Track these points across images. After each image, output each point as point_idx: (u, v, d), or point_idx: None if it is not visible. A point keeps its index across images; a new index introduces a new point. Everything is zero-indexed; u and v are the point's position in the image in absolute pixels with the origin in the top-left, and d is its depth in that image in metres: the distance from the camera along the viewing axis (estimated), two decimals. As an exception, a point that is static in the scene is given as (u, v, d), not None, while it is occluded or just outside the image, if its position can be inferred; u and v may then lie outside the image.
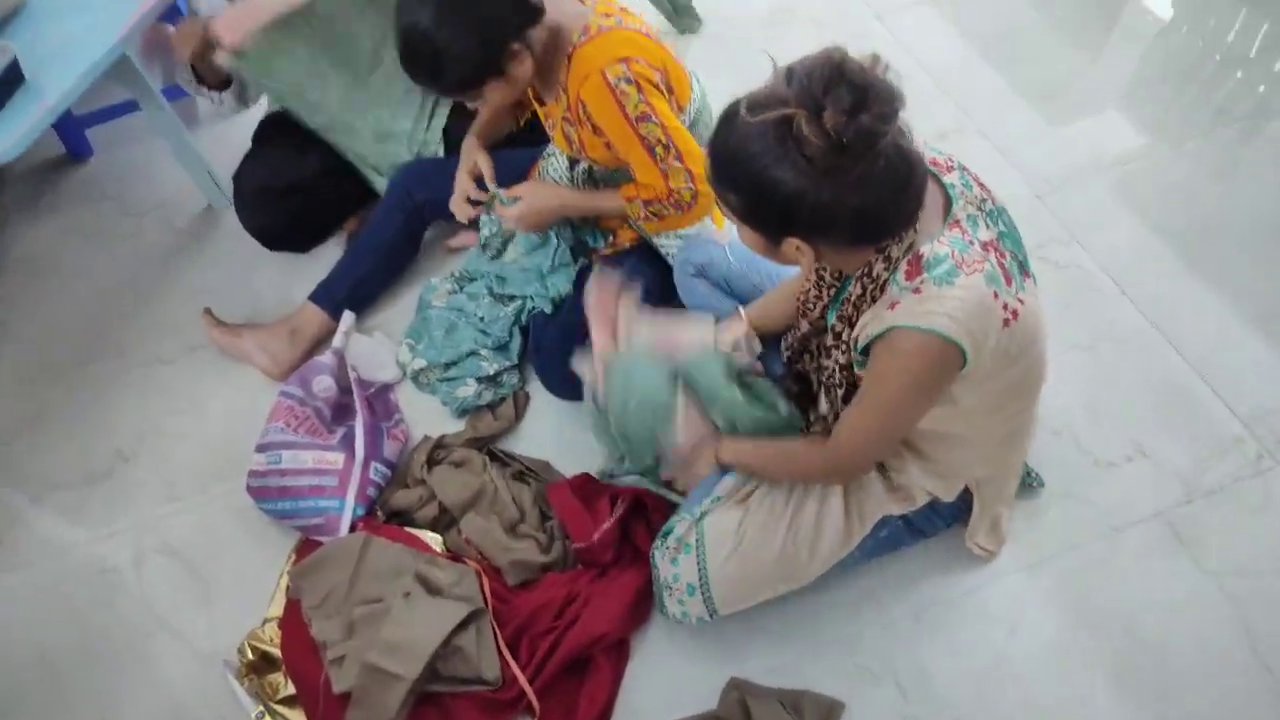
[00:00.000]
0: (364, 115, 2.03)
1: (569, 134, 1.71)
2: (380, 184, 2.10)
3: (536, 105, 1.78)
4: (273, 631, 1.59)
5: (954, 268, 1.16)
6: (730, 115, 1.12)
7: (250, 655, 1.57)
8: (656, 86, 1.59)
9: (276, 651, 1.56)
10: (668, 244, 1.83)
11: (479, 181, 1.86)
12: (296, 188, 2.05)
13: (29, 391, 2.05)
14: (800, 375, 1.60)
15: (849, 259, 1.24)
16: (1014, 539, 1.61)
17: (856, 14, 2.62)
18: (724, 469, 1.54)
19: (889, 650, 1.54)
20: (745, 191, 1.14)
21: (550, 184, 1.85)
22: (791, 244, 1.18)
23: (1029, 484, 1.66)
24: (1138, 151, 2.22)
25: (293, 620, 1.58)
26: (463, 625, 1.52)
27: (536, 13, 1.53)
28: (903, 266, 1.19)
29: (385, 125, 2.04)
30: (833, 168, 1.05)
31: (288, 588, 1.63)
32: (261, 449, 1.76)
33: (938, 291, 1.16)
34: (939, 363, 1.20)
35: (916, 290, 1.17)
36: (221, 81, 1.99)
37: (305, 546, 1.70)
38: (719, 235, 1.79)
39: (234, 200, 2.09)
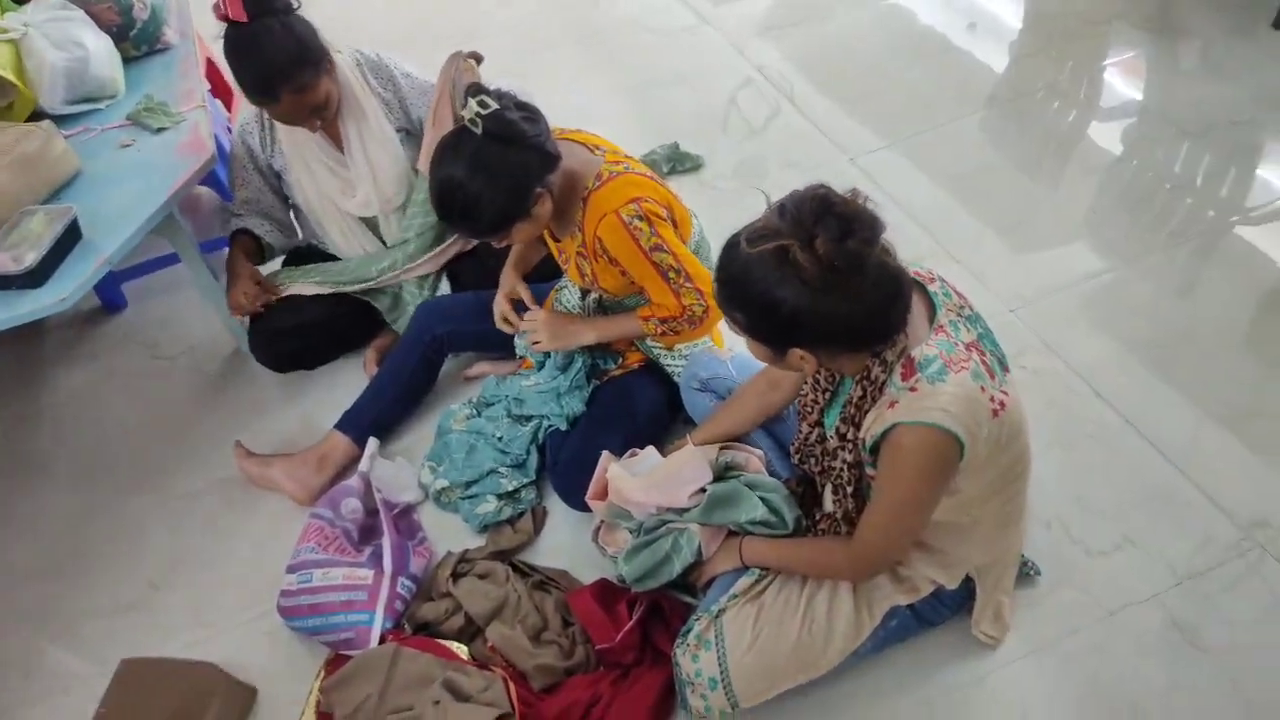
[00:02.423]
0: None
1: (582, 267, 1.88)
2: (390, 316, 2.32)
3: (551, 242, 1.96)
4: (304, 746, 1.63)
5: (944, 367, 1.30)
6: (732, 245, 1.28)
7: (283, 770, 1.60)
8: (664, 220, 1.77)
9: (309, 765, 1.60)
10: (673, 364, 1.98)
11: (518, 305, 2.04)
12: (302, 327, 2.26)
13: (66, 528, 2.13)
14: (805, 476, 1.72)
15: (847, 363, 1.38)
16: (1017, 626, 1.69)
17: (829, 158, 2.86)
18: (745, 567, 1.63)
19: (907, 740, 1.59)
20: (751, 311, 1.29)
21: (567, 316, 2.01)
22: (795, 354, 1.32)
23: (1026, 573, 1.75)
24: (1101, 270, 2.41)
25: (325, 733, 1.62)
26: (491, 730, 1.56)
27: (555, 160, 1.72)
28: (898, 369, 1.33)
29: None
30: (826, 286, 1.20)
31: (318, 703, 1.67)
32: (293, 569, 1.84)
33: (932, 389, 1.29)
34: (941, 454, 1.31)
35: (913, 389, 1.30)
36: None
37: (335, 662, 1.75)
38: (721, 353, 1.94)
39: (249, 339, 2.30)
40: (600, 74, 3.34)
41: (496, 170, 1.65)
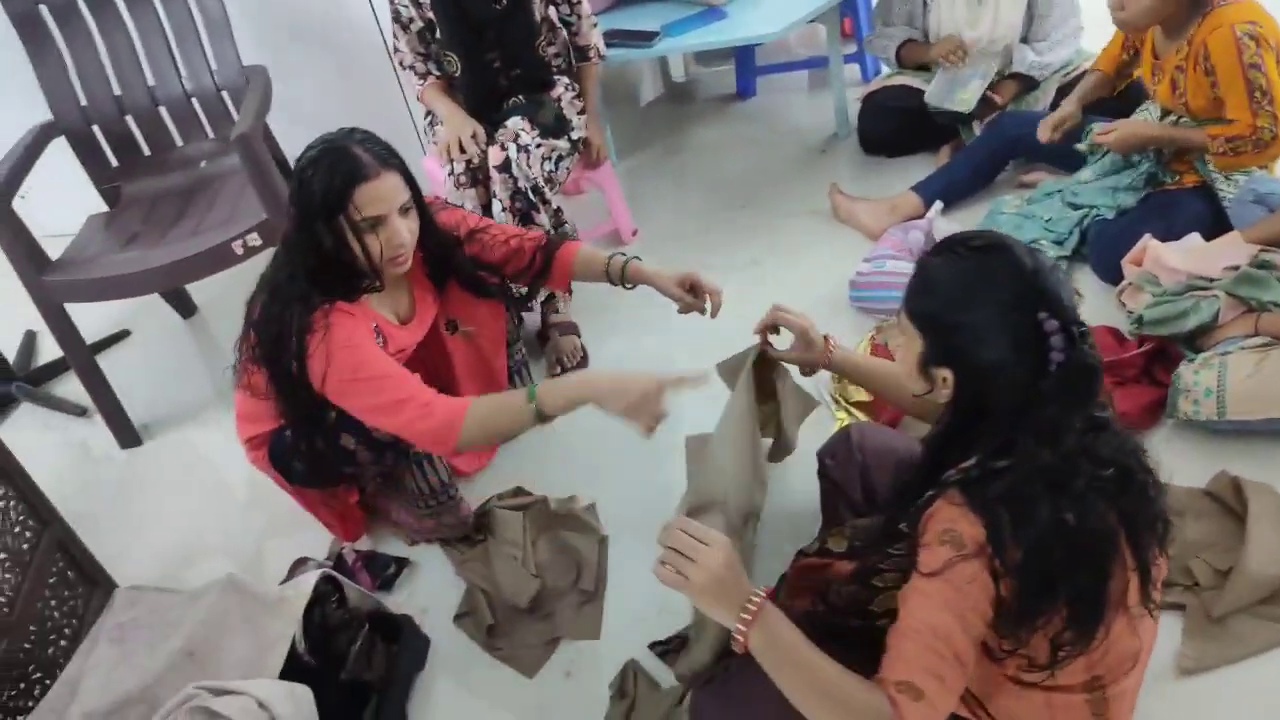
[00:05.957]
0: None
1: (1177, 80, 2.22)
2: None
3: (1150, 60, 2.32)
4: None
5: None
6: None
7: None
8: (1273, 50, 2.06)
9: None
10: (1226, 189, 2.25)
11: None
12: (903, 110, 2.88)
13: (698, 217, 2.97)
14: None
15: None
16: None
17: None
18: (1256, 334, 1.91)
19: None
20: None
21: (1140, 120, 2.38)
22: None
23: None
24: None
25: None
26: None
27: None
28: None
29: None
30: None
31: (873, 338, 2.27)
32: (869, 260, 2.47)
33: None
34: None
35: None
36: None
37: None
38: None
39: (860, 111, 3.00)
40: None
41: None
